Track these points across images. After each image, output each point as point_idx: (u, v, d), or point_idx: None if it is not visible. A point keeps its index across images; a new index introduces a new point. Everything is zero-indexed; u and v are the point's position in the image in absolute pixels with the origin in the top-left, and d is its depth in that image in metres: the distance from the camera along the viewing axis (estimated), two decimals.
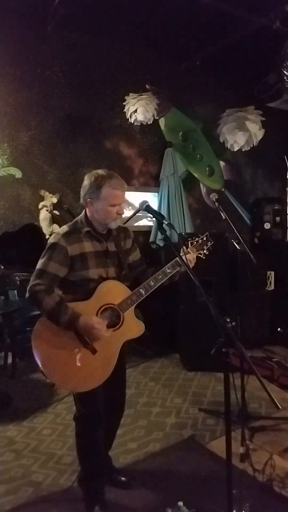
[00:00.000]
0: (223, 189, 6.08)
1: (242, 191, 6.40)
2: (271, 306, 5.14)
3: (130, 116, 4.81)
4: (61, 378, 2.10)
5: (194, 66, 5.35)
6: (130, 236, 2.35)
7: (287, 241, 6.09)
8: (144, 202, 2.20)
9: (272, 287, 5.19)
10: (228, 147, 5.15)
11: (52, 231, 4.48)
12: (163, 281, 2.19)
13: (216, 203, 3.03)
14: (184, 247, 2.28)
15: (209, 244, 2.36)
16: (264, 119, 4.97)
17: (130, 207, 4.87)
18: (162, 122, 5.46)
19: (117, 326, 2.15)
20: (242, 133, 4.88)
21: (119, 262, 2.23)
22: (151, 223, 5.29)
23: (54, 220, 4.56)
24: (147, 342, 4.36)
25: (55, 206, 4.60)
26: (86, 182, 2.16)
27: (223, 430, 2.92)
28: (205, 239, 2.35)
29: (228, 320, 1.78)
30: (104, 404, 2.21)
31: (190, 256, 2.25)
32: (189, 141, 5.70)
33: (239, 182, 6.40)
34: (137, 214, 4.56)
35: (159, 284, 2.19)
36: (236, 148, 5.09)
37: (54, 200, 4.60)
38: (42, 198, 4.59)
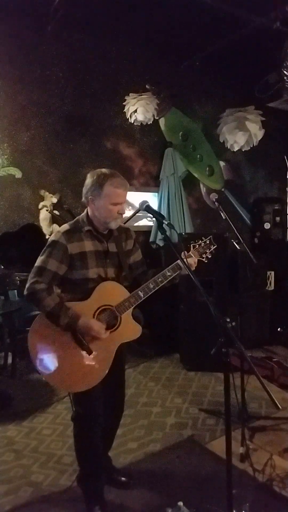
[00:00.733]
0: (223, 189, 6.08)
1: (242, 191, 6.40)
2: (271, 306, 5.14)
3: (130, 116, 4.81)
4: (56, 377, 2.10)
5: (194, 66, 5.35)
6: (132, 237, 2.34)
7: (287, 241, 6.09)
8: (144, 202, 2.20)
9: (272, 287, 5.19)
10: (228, 147, 5.15)
11: (52, 231, 4.47)
12: (163, 284, 2.18)
13: (216, 203, 3.03)
14: (185, 251, 2.22)
15: (212, 247, 2.28)
16: (264, 119, 4.96)
17: (130, 207, 4.87)
18: (162, 122, 5.46)
19: (114, 328, 2.14)
20: (242, 133, 4.88)
21: (119, 263, 2.22)
22: (151, 223, 5.29)
23: (54, 220, 4.56)
24: (147, 342, 4.36)
25: (55, 206, 4.59)
26: (89, 179, 2.15)
27: (223, 430, 2.92)
28: (208, 242, 2.29)
29: (228, 320, 1.77)
30: (103, 404, 2.20)
31: (191, 260, 2.20)
32: (189, 141, 5.70)
33: (239, 182, 6.39)
34: (137, 214, 4.56)
35: (159, 287, 2.17)
36: (236, 148, 5.09)
37: (54, 200, 4.59)
38: (42, 198, 4.59)
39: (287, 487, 2.39)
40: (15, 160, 4.52)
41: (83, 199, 2.19)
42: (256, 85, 4.93)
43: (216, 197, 3.07)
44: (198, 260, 2.27)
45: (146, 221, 5.34)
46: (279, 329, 5.06)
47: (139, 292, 2.15)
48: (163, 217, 2.18)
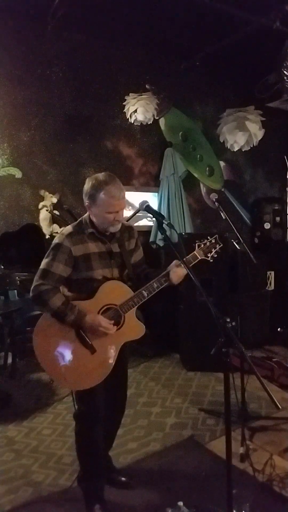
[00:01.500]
0: (223, 189, 6.09)
1: (242, 191, 6.40)
2: (271, 306, 5.13)
3: (130, 116, 4.81)
4: (60, 375, 2.12)
5: (194, 66, 5.35)
6: (134, 236, 2.35)
7: (287, 241, 6.09)
8: (144, 202, 2.20)
9: (272, 287, 5.19)
10: (228, 147, 5.15)
11: (52, 231, 4.48)
12: (166, 283, 2.18)
13: (216, 203, 3.02)
14: (177, 259, 2.17)
15: (217, 247, 2.29)
16: (264, 119, 4.97)
17: (130, 207, 4.87)
18: (162, 122, 5.46)
19: (118, 327, 2.15)
20: (242, 133, 4.88)
21: (123, 263, 2.23)
22: (151, 223, 5.29)
23: (54, 220, 4.56)
24: (147, 342, 4.36)
25: (55, 206, 4.60)
26: (86, 186, 2.15)
27: (223, 430, 2.92)
28: (213, 241, 2.29)
29: (228, 320, 1.77)
30: (105, 404, 2.21)
31: (180, 271, 2.17)
32: (189, 141, 5.70)
33: (239, 182, 6.39)
34: (137, 214, 4.55)
35: (163, 286, 2.18)
36: (236, 148, 5.09)
37: (54, 200, 4.59)
38: (42, 198, 4.59)
39: (287, 487, 2.39)
40: (15, 160, 4.52)
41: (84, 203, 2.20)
42: (256, 85, 4.93)
43: (216, 197, 3.07)
44: (203, 259, 2.27)
45: (146, 221, 5.34)
46: (279, 329, 5.06)
47: (143, 291, 2.16)
48: (163, 217, 2.18)
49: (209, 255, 2.27)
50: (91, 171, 4.90)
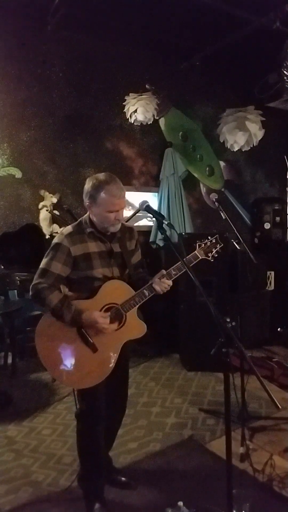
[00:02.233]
0: (223, 189, 6.08)
1: (242, 191, 6.40)
2: (271, 306, 5.14)
3: (130, 116, 4.81)
4: (62, 374, 2.13)
5: (194, 66, 5.35)
6: (135, 237, 2.36)
7: (287, 241, 6.09)
8: (144, 202, 2.20)
9: (272, 287, 5.19)
10: (228, 147, 5.15)
11: (52, 231, 4.48)
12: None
13: (216, 203, 3.03)
14: (162, 271, 2.19)
15: (218, 247, 2.31)
16: (264, 119, 4.97)
17: (130, 207, 4.87)
18: (162, 122, 5.46)
19: (119, 326, 2.15)
20: (242, 133, 4.88)
21: (123, 262, 2.24)
22: (151, 223, 5.29)
23: (54, 220, 4.56)
24: (147, 342, 4.35)
25: (55, 206, 4.59)
26: (86, 186, 2.17)
27: (223, 430, 2.93)
28: (214, 241, 2.31)
29: (228, 320, 1.77)
30: (106, 404, 2.21)
31: (168, 282, 2.19)
32: (189, 141, 5.70)
33: (239, 182, 6.39)
34: (137, 214, 4.56)
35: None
36: (236, 148, 5.09)
37: (54, 200, 4.60)
38: (42, 198, 4.59)
39: (287, 487, 2.40)
40: (15, 160, 4.52)
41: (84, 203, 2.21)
42: (256, 85, 4.93)
43: (216, 197, 3.08)
44: (204, 258, 2.28)
45: (146, 221, 5.34)
46: (279, 329, 5.06)
47: (144, 290, 2.17)
48: (163, 217, 2.19)
49: (209, 254, 2.30)
50: (91, 171, 4.90)
